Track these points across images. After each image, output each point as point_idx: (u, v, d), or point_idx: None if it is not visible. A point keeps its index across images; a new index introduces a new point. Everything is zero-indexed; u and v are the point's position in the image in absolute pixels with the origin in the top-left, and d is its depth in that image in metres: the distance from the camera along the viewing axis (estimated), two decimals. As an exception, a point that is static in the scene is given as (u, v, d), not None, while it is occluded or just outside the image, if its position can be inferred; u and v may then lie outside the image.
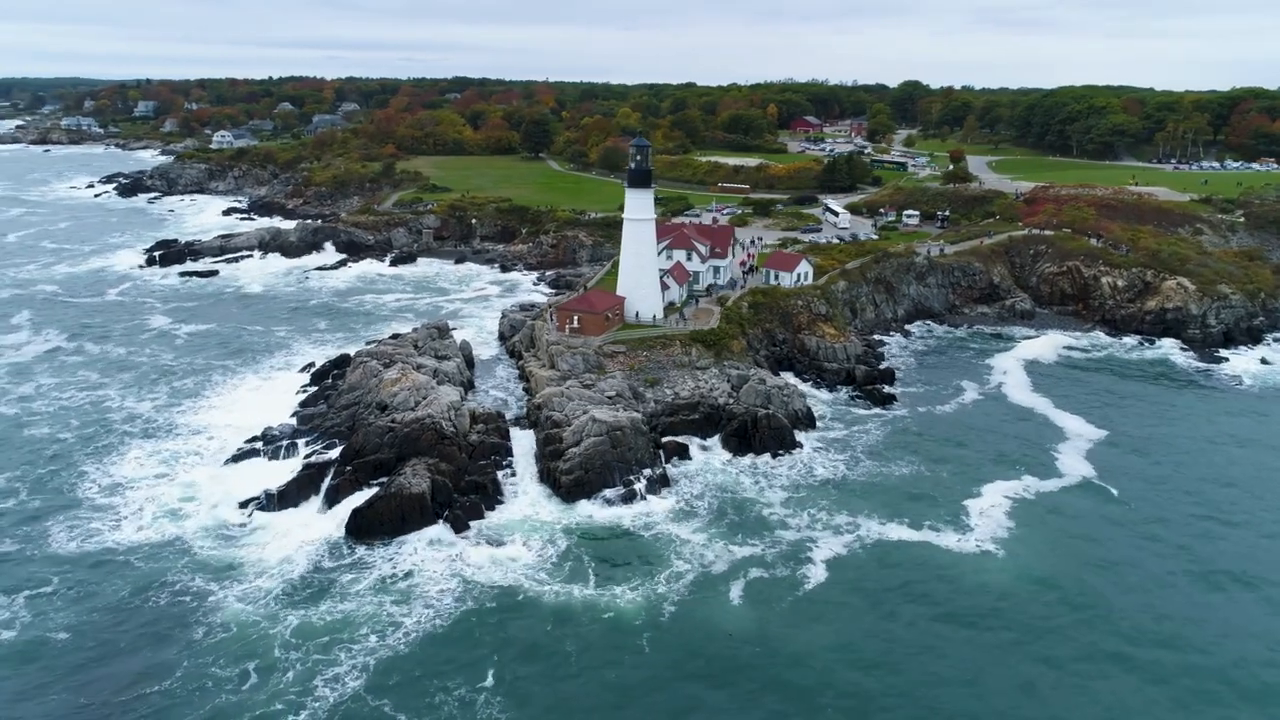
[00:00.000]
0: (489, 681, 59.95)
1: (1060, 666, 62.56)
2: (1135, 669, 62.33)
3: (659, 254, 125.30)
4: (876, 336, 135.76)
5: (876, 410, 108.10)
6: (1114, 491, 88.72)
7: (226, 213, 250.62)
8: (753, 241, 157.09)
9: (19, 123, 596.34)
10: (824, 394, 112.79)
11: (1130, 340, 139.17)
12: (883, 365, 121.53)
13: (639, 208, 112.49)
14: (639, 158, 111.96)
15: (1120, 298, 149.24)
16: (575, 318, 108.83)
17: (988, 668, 62.27)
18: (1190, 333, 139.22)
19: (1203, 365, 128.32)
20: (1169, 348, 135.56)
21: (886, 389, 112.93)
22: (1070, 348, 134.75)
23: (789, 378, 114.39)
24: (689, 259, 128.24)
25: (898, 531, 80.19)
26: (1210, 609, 69.52)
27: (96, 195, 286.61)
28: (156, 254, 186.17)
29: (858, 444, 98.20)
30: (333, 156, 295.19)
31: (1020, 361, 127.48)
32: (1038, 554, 76.67)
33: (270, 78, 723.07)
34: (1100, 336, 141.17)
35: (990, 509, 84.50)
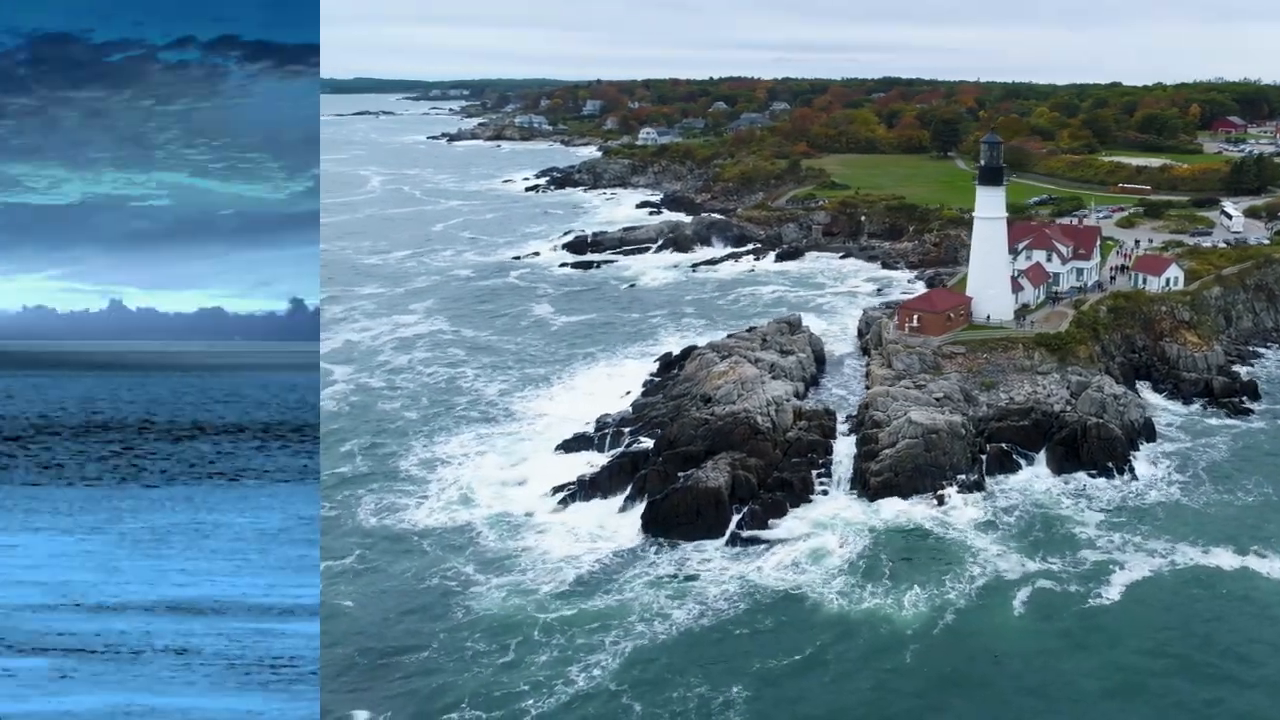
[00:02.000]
0: (733, 685, 56.81)
1: None
2: None
3: (1019, 255, 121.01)
4: (1251, 347, 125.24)
5: (1229, 423, 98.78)
6: None
7: (639, 206, 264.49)
8: (1136, 243, 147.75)
9: (480, 120, 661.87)
10: (1176, 405, 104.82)
11: None
12: (1247, 377, 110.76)
13: (989, 206, 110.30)
14: (990, 154, 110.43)
15: None
16: (915, 316, 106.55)
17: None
18: None
19: None
20: None
21: (1246, 403, 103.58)
22: None
23: (1144, 387, 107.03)
24: (1048, 260, 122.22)
25: (1218, 558, 71.03)
26: None
27: (528, 189, 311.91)
28: (560, 244, 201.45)
29: (1200, 460, 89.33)
30: (747, 154, 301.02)
31: None
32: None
33: (710, 78, 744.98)
34: None
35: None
